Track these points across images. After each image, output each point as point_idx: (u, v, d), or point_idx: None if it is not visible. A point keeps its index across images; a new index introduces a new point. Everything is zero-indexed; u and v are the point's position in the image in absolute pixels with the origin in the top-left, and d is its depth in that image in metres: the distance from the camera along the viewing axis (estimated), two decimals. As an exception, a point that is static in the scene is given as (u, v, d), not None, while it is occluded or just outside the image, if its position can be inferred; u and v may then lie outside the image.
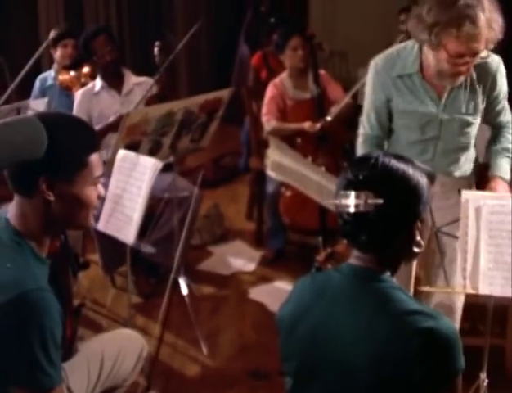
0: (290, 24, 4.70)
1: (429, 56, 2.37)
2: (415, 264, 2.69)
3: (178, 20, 6.92)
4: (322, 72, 4.21)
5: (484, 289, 2.28)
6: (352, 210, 1.55)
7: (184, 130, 3.30)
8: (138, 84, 3.78)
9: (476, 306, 2.73)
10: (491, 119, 2.63)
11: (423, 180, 1.60)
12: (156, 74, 3.56)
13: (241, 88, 4.66)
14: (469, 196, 2.31)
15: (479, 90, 2.50)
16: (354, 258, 1.63)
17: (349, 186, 1.58)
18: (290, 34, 4.10)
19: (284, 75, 4.16)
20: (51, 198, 1.68)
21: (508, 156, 2.63)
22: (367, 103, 2.59)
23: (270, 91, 4.12)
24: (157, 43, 3.77)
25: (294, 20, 6.08)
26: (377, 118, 2.58)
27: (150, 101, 3.58)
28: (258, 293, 3.80)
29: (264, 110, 4.10)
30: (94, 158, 1.73)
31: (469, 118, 2.52)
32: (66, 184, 1.69)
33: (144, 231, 3.14)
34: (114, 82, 3.77)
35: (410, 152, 2.43)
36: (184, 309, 3.33)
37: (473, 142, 2.62)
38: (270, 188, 4.08)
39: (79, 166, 1.70)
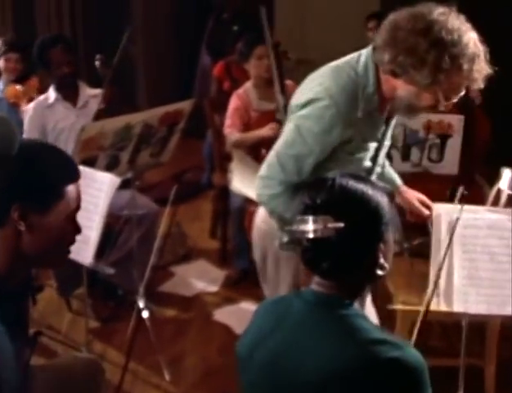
0: (256, 32, 4.74)
1: (402, 91, 2.14)
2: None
3: (138, 28, 6.91)
4: (289, 82, 4.25)
5: (458, 306, 2.31)
6: (311, 235, 1.55)
7: (143, 144, 3.29)
8: (94, 97, 3.76)
9: (452, 325, 2.76)
10: None
11: (383, 200, 1.61)
12: (103, 87, 3.57)
13: (203, 99, 4.68)
14: (442, 210, 2.35)
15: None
16: (316, 284, 1.64)
17: (307, 211, 1.59)
18: (256, 42, 4.13)
19: (248, 85, 4.18)
20: (23, 228, 1.61)
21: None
22: (310, 146, 2.19)
23: (233, 102, 4.13)
24: (97, 56, 3.77)
25: (258, 27, 6.12)
26: (315, 162, 2.23)
27: (97, 116, 3.56)
28: (222, 315, 3.79)
29: (227, 122, 4.12)
30: (72, 189, 1.67)
31: (388, 142, 2.46)
32: (40, 215, 1.62)
33: (102, 251, 3.11)
34: (69, 94, 3.74)
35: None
36: (145, 334, 3.30)
37: None
38: (234, 204, 4.08)
39: (55, 196, 1.64)
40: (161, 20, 6.80)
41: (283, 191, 2.22)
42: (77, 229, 1.72)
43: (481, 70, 2.05)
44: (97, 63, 3.74)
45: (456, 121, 3.69)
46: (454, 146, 3.71)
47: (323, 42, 6.64)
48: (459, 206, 2.41)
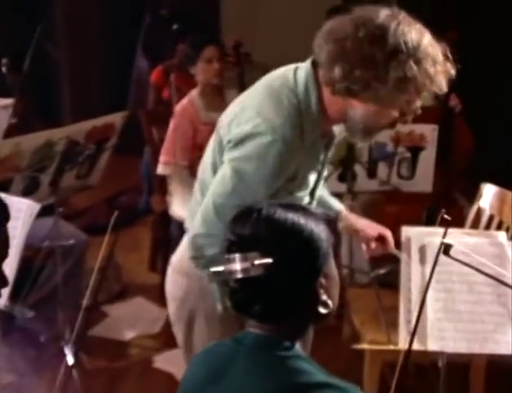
0: (204, 31, 4.76)
1: (358, 111, 2.11)
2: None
3: (59, 29, 6.87)
4: None
5: (434, 345, 2.35)
6: (239, 275, 1.56)
7: (67, 164, 3.27)
8: (5, 108, 3.73)
9: (431, 365, 2.78)
10: None
11: (319, 228, 1.63)
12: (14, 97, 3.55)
13: (139, 110, 4.67)
14: (412, 233, 2.38)
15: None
16: (252, 326, 1.65)
17: (232, 248, 1.60)
18: (204, 43, 4.15)
19: (193, 94, 4.18)
20: None
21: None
22: (255, 191, 2.11)
23: (174, 120, 4.10)
24: (4, 61, 3.74)
25: (205, 25, 6.16)
26: None
27: (8, 132, 3.53)
28: (164, 361, 3.77)
29: (164, 147, 4.09)
30: None
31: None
32: None
33: (19, 290, 3.08)
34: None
35: None
36: (74, 388, 3.26)
37: None
38: (175, 232, 4.07)
39: None
40: (87, 18, 6.76)
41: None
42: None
43: (445, 70, 2.09)
44: (4, 69, 3.71)
45: (429, 131, 3.74)
46: (427, 160, 3.76)
47: (279, 43, 6.71)
48: (433, 229, 2.46)
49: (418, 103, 2.12)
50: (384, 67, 2.00)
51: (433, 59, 2.06)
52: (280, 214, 1.61)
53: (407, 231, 2.40)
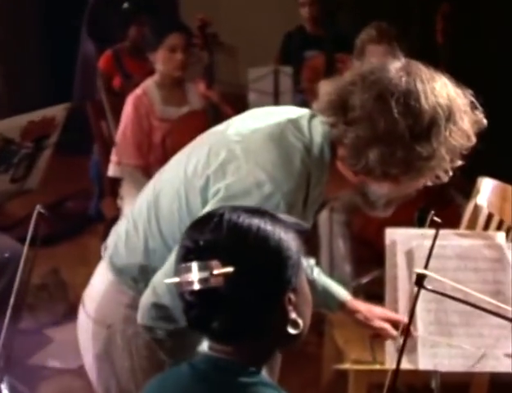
0: (167, 14, 4.76)
1: (381, 188, 2.11)
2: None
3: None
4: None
5: (425, 363, 2.36)
6: (196, 286, 1.56)
7: (1, 166, 3.26)
8: None
9: (423, 387, 2.80)
10: None
11: (288, 237, 1.63)
12: None
13: (86, 101, 4.66)
14: (397, 236, 2.39)
15: None
16: (210, 348, 1.66)
17: (189, 256, 1.60)
18: (168, 29, 4.14)
19: (149, 84, 4.17)
20: None
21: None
22: None
23: (126, 113, 4.10)
24: None
25: (162, 4, 6.16)
26: None
27: None
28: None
29: (116, 145, 4.08)
30: None
31: None
32: None
33: None
34: None
35: None
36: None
37: None
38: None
39: None
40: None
41: None
42: None
43: (476, 120, 2.05)
44: None
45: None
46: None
47: (246, 24, 6.72)
48: (422, 231, 2.47)
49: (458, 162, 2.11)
50: (426, 141, 1.96)
51: (464, 111, 2.03)
52: (244, 219, 1.62)
53: (392, 233, 2.42)
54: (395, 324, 2.40)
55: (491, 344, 2.37)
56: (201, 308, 1.60)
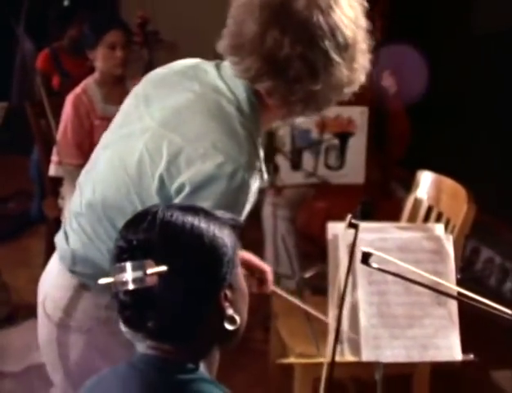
0: (102, 9, 4.73)
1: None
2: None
3: None
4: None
5: (369, 354, 2.40)
6: (130, 286, 1.56)
7: None
8: None
9: (368, 378, 2.84)
10: None
11: (222, 233, 1.64)
12: None
13: (24, 100, 4.62)
14: (338, 230, 2.42)
15: None
16: (147, 346, 1.66)
17: (123, 255, 1.60)
18: (107, 27, 4.12)
19: (89, 82, 4.15)
20: None
21: None
22: None
23: (66, 112, 4.07)
24: None
25: (101, 1, 6.13)
26: None
27: None
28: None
29: (57, 145, 4.05)
30: None
31: None
32: None
33: None
34: None
35: None
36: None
37: None
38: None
39: None
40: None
41: None
42: None
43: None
44: None
45: (358, 115, 3.80)
46: (357, 147, 3.82)
47: (185, 17, 6.71)
48: (364, 225, 2.51)
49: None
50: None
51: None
52: (178, 216, 1.62)
53: (334, 228, 2.43)
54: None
55: (432, 334, 2.41)
56: (136, 307, 1.60)
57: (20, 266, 4.90)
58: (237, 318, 1.66)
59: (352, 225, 2.11)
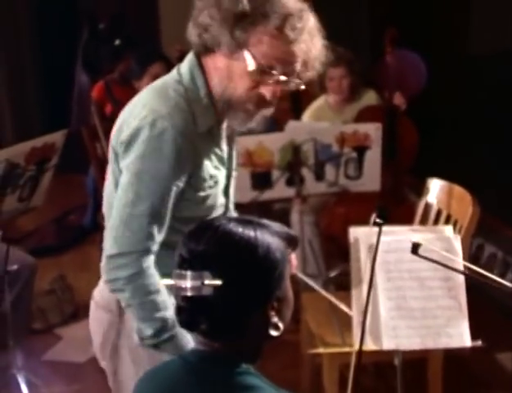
0: (147, 45, 4.80)
1: (216, 78, 2.02)
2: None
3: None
4: None
5: (388, 343, 2.36)
6: (188, 293, 1.54)
7: (8, 187, 3.23)
8: None
9: (388, 364, 2.81)
10: None
11: (276, 247, 1.58)
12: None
13: (82, 127, 4.65)
14: (359, 233, 2.40)
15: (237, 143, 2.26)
16: (199, 343, 1.63)
17: (183, 264, 1.57)
18: (151, 59, 4.21)
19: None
20: None
21: None
22: (161, 191, 1.98)
23: None
24: None
25: (145, 37, 6.15)
26: (168, 212, 2.02)
27: None
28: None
29: None
30: None
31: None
32: None
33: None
34: None
35: None
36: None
37: None
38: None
39: None
40: (21, 32, 6.68)
41: (145, 266, 1.99)
42: None
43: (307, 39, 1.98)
44: None
45: (373, 130, 3.78)
46: (373, 159, 3.81)
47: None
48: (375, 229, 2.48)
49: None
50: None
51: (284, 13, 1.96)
52: (237, 230, 1.56)
53: (355, 232, 2.41)
54: None
55: (444, 323, 2.37)
56: (191, 312, 1.57)
57: (81, 270, 4.90)
58: (281, 325, 1.60)
59: (376, 224, 2.11)
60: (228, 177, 2.19)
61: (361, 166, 3.82)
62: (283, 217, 4.39)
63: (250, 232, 1.57)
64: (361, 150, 3.80)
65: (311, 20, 2.01)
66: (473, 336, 2.36)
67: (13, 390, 2.99)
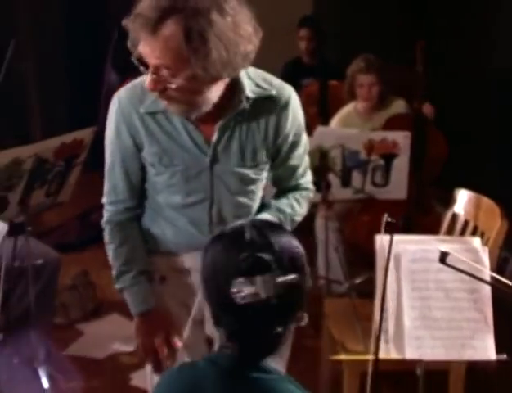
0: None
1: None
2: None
3: (24, 44, 6.82)
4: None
5: (412, 353, 2.34)
6: (262, 296, 1.55)
7: (36, 182, 3.24)
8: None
9: (408, 373, 2.80)
10: (278, 179, 2.37)
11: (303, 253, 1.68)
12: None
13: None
14: (385, 241, 2.38)
15: (259, 134, 2.22)
16: (224, 346, 1.64)
17: (250, 270, 1.58)
18: None
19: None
20: None
21: (276, 215, 2.34)
22: (110, 155, 2.31)
23: None
24: None
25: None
26: (124, 175, 2.29)
27: None
28: (142, 378, 3.72)
29: None
30: None
31: (249, 171, 2.25)
32: None
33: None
34: None
35: (174, 225, 2.29)
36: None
37: (257, 205, 2.37)
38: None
39: None
40: (48, 32, 6.73)
41: (114, 219, 2.43)
42: None
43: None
44: None
45: (402, 139, 3.76)
46: (401, 167, 3.79)
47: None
48: (406, 237, 2.47)
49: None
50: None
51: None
52: (290, 238, 1.65)
53: (381, 239, 2.40)
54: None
55: (469, 335, 2.35)
56: (239, 318, 1.60)
57: (103, 267, 4.88)
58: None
59: (388, 225, 2.13)
60: (205, 165, 2.20)
61: (389, 174, 3.81)
62: (306, 222, 4.38)
63: (293, 239, 1.66)
64: (388, 157, 3.78)
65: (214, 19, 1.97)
66: (498, 350, 2.33)
67: (35, 384, 3.00)
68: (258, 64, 2.18)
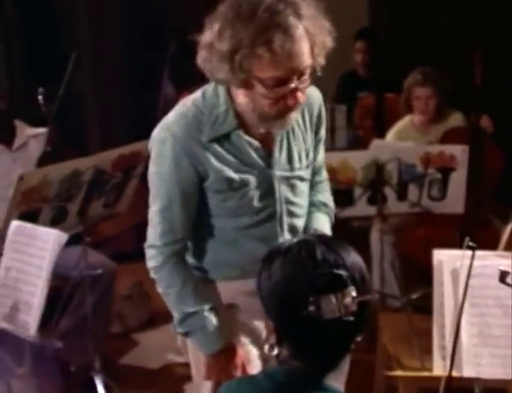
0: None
1: (241, 98, 2.06)
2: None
3: (84, 57, 6.92)
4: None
5: (470, 371, 2.31)
6: (342, 312, 1.57)
7: (95, 193, 3.29)
8: (35, 137, 3.75)
9: (467, 391, 2.74)
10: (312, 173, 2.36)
11: None
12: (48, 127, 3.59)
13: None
14: (443, 256, 2.35)
15: (310, 130, 2.26)
16: (282, 362, 1.63)
17: (334, 286, 1.59)
18: None
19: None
20: None
21: (326, 212, 2.37)
22: (165, 193, 2.11)
23: None
24: (40, 90, 3.73)
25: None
26: (183, 211, 2.13)
27: (42, 161, 3.56)
28: (195, 389, 3.74)
29: None
30: None
31: (304, 173, 2.26)
32: None
33: (48, 321, 3.07)
34: (2, 135, 3.72)
35: (237, 247, 2.21)
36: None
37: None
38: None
39: None
40: (109, 45, 6.82)
41: (168, 261, 2.17)
42: None
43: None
44: (40, 98, 3.72)
45: (460, 152, 3.72)
46: (458, 180, 3.74)
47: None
48: (463, 252, 2.42)
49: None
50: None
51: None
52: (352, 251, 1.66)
53: (439, 254, 2.37)
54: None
55: (529, 354, 2.30)
56: (312, 335, 1.60)
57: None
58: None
59: (470, 247, 2.07)
60: (271, 178, 2.18)
61: (446, 188, 3.76)
62: (361, 235, 4.35)
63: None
64: (446, 171, 3.74)
65: (302, 13, 1.97)
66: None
67: (90, 392, 3.03)
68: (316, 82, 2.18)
